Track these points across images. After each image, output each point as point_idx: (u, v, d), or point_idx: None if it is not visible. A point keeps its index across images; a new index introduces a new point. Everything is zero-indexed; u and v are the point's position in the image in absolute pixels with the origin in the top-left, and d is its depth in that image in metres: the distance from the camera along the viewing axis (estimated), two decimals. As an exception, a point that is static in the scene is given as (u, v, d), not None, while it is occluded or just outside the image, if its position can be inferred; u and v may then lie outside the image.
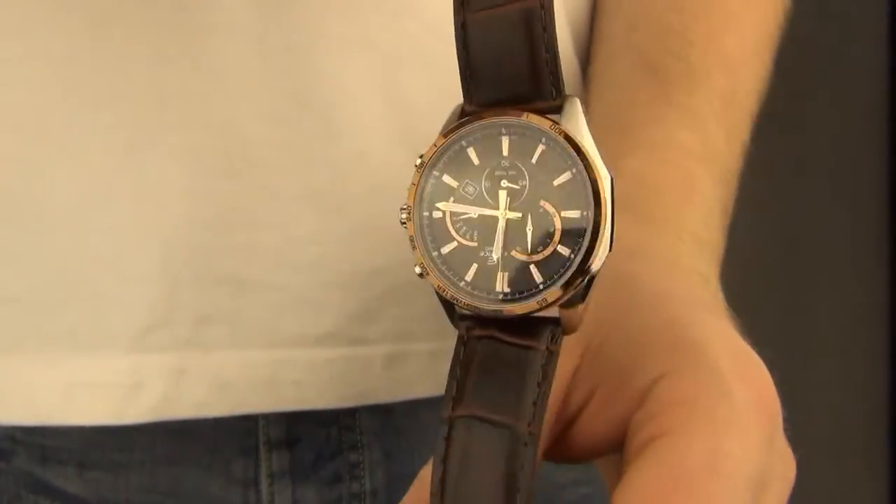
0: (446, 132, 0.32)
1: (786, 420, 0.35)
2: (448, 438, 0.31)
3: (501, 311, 0.31)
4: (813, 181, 1.50)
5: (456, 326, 0.32)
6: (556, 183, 0.32)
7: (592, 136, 0.32)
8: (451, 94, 0.34)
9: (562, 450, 0.36)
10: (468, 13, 0.32)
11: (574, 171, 0.31)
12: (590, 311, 0.33)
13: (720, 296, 0.41)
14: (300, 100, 0.46)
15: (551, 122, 0.32)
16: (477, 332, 0.32)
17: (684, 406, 0.33)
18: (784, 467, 0.35)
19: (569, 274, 0.31)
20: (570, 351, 0.35)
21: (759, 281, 1.45)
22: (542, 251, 0.31)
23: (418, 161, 0.32)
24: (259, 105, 0.45)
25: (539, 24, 0.32)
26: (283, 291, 0.46)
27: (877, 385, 1.54)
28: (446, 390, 0.32)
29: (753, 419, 0.33)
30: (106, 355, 0.46)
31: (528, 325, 0.32)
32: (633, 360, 0.35)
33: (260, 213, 0.46)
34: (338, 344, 0.47)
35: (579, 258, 0.31)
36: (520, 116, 0.32)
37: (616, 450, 0.35)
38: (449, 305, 0.32)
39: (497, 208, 0.32)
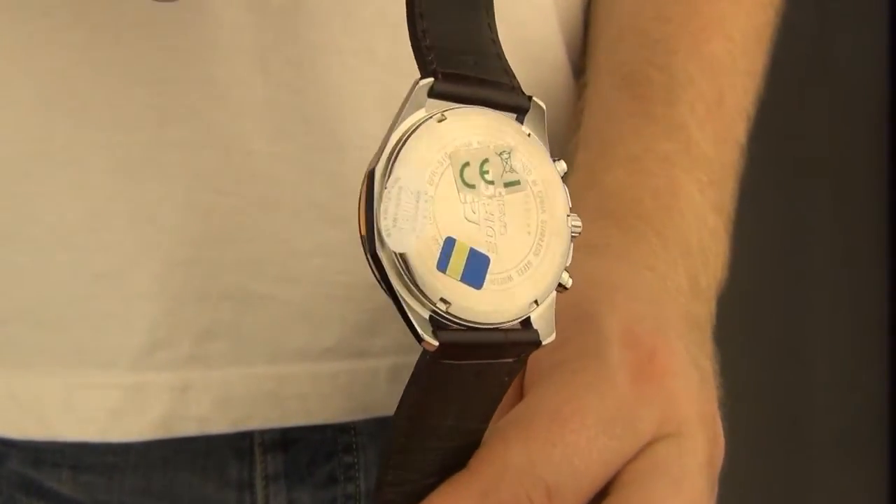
0: None
1: (722, 404, 0.36)
2: None
3: None
4: (813, 181, 1.50)
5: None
6: None
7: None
8: None
9: None
10: None
11: None
12: None
13: (687, 294, 0.41)
14: (303, 113, 0.46)
15: None
16: None
17: (557, 367, 0.34)
18: (712, 444, 0.35)
19: None
20: None
21: (759, 281, 1.45)
22: None
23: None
24: (261, 119, 0.45)
25: None
26: (287, 305, 0.46)
27: (877, 385, 1.54)
28: None
29: (625, 378, 0.34)
30: (110, 373, 0.46)
31: None
32: None
33: (262, 227, 0.46)
34: (342, 357, 0.47)
35: None
36: None
37: None
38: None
39: None
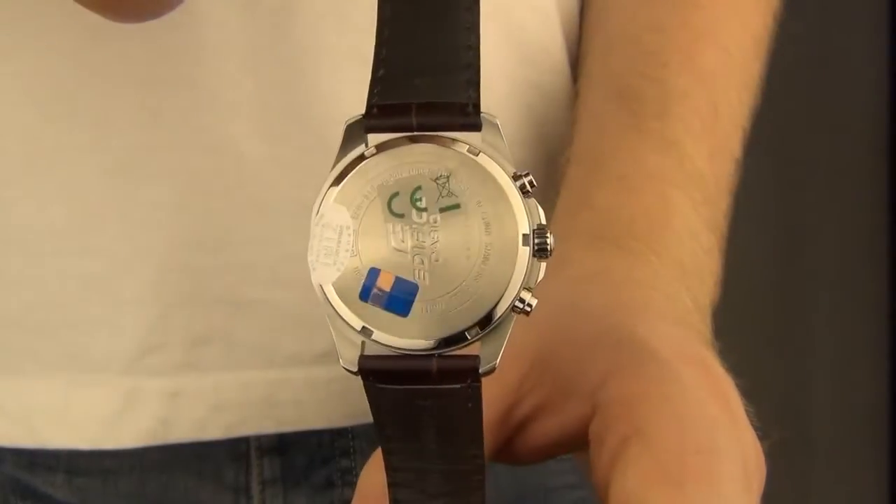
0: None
1: (749, 412, 0.36)
2: None
3: None
4: (813, 181, 1.50)
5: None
6: None
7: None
8: None
9: (511, 453, 0.37)
10: None
11: None
12: (537, 324, 0.32)
13: (694, 314, 0.41)
14: (294, 115, 0.45)
15: None
16: None
17: (639, 400, 0.34)
18: (755, 451, 0.35)
19: None
20: (519, 357, 0.36)
21: (759, 281, 1.44)
22: None
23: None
24: (252, 121, 0.45)
25: None
26: (279, 310, 0.46)
27: (877, 385, 1.54)
28: None
29: (707, 393, 0.34)
30: (102, 379, 0.46)
31: None
32: (579, 364, 0.36)
33: (254, 231, 0.46)
34: (336, 362, 0.47)
35: None
36: None
37: (569, 451, 0.37)
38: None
39: None
